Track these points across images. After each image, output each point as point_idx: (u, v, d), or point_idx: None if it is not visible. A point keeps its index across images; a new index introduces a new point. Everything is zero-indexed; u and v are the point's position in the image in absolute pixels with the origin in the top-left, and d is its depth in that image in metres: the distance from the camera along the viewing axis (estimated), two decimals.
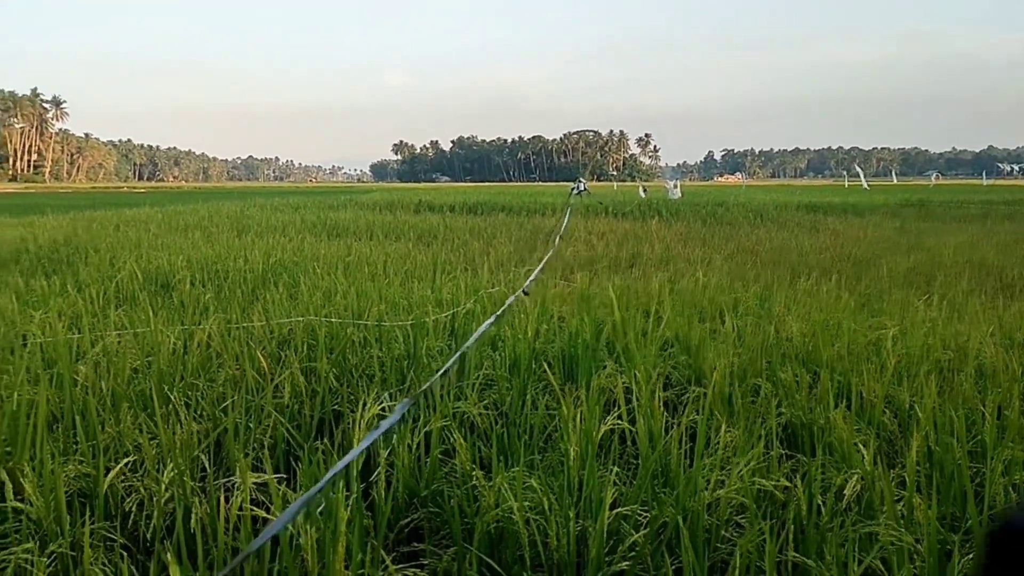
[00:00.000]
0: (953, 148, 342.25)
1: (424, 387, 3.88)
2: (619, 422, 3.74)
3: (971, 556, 2.53)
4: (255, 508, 2.71)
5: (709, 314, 6.61)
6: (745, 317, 6.35)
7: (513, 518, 2.73)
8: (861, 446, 3.35)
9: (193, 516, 2.69)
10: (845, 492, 2.97)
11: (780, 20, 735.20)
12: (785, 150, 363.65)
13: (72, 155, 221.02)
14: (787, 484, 3.03)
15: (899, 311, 6.72)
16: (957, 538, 2.70)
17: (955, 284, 8.60)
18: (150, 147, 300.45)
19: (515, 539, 2.76)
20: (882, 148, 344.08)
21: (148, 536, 2.82)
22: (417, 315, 6.17)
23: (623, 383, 4.53)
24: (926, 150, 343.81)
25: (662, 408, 3.80)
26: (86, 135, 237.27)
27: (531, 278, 7.11)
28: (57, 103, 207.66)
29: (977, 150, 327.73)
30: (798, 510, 2.75)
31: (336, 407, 4.32)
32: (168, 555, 2.00)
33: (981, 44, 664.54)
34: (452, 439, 3.46)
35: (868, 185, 50.49)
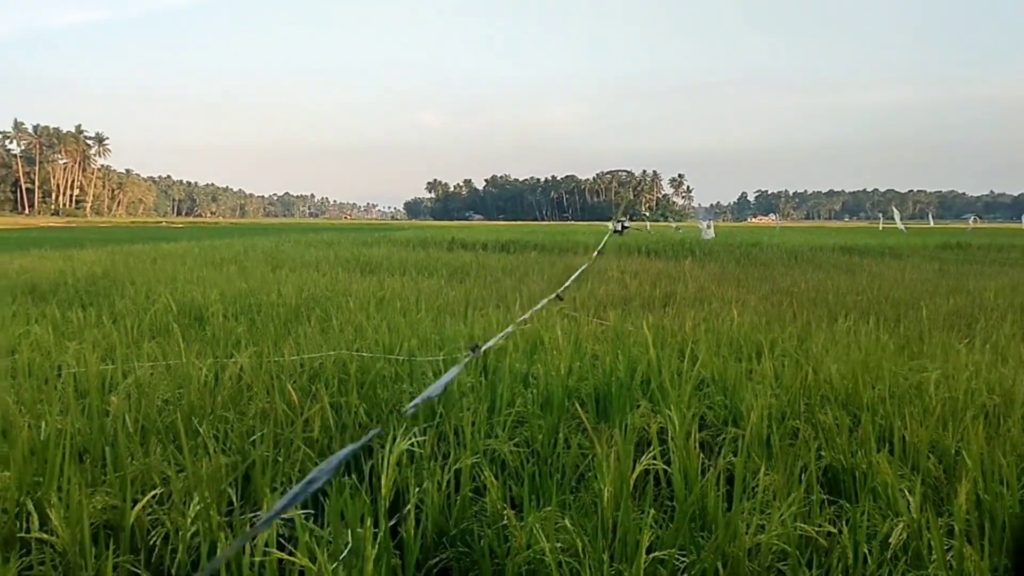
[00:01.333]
0: (991, 191, 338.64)
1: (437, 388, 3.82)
2: (654, 463, 3.65)
3: None
4: (281, 539, 2.66)
5: (745, 354, 6.49)
6: (782, 358, 6.23)
7: (545, 560, 2.65)
8: (907, 492, 3.22)
9: (218, 551, 2.64)
10: (891, 540, 2.85)
11: (816, 62, 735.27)
12: (820, 192, 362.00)
13: (113, 190, 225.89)
14: (831, 530, 2.91)
15: (941, 354, 6.55)
16: None
17: (998, 328, 8.38)
18: (189, 183, 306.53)
19: None
20: (918, 191, 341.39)
21: (173, 572, 2.78)
22: (448, 350, 6.13)
23: (658, 423, 4.44)
24: (963, 193, 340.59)
25: (698, 449, 3.70)
26: (127, 171, 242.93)
27: (566, 285, 7.07)
28: (100, 139, 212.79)
29: (1016, 193, 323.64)
30: (844, 558, 2.63)
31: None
32: None
33: (1022, 86, 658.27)
34: (482, 477, 3.38)
35: (905, 227, 49.74)
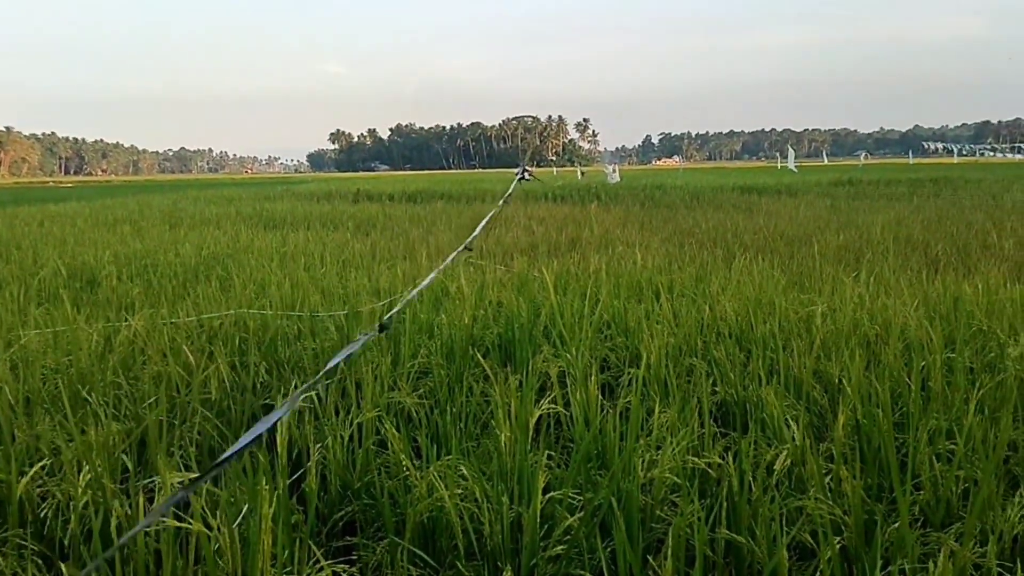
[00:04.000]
0: (881, 128, 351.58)
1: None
2: (553, 406, 3.72)
3: (896, 525, 2.56)
4: (176, 509, 2.62)
5: (647, 296, 6.63)
6: (681, 298, 6.39)
7: (446, 507, 2.69)
8: (792, 421, 3.38)
9: (113, 519, 2.58)
10: (775, 467, 3.00)
11: (717, 5, 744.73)
12: (721, 133, 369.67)
13: None
14: (720, 461, 3.04)
15: (829, 288, 6.83)
16: (882, 508, 2.74)
17: (883, 260, 8.78)
18: (76, 140, 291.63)
19: (448, 529, 2.72)
20: (813, 129, 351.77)
21: (66, 542, 2.71)
22: (353, 305, 6.07)
23: (558, 367, 4.51)
24: (855, 130, 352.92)
25: (598, 391, 3.79)
26: (7, 128, 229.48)
27: (474, 235, 7.05)
28: None
29: (904, 129, 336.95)
30: (730, 487, 2.75)
31: (267, 401, 4.22)
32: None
33: (909, 27, 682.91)
34: (384, 430, 3.39)
35: (796, 167, 51.27)
